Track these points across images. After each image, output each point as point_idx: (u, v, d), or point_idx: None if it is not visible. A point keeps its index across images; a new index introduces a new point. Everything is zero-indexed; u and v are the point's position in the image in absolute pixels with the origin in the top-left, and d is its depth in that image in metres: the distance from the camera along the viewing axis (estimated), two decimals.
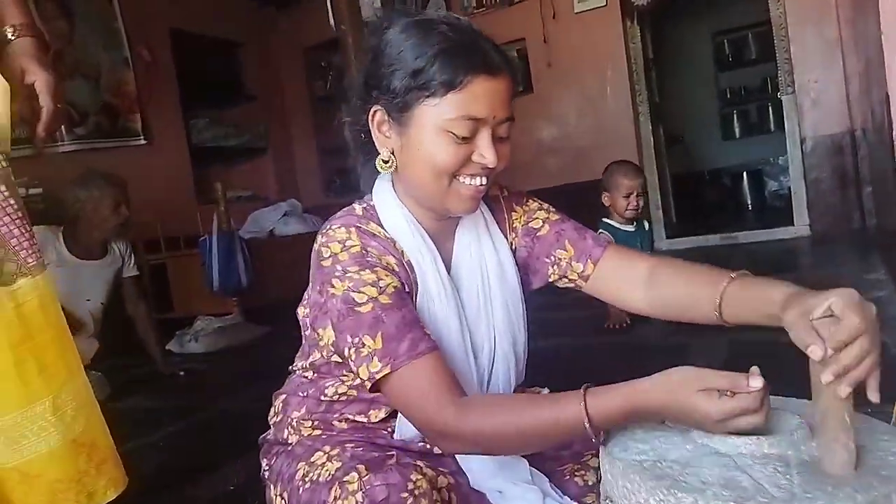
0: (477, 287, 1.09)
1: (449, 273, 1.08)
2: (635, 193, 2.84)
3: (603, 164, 3.09)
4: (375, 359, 0.92)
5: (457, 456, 1.08)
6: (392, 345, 0.92)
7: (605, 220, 2.94)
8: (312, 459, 1.03)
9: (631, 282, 1.09)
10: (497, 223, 1.15)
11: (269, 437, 1.18)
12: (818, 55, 4.30)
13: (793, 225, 4.63)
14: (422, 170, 0.98)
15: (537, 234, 1.15)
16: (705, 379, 0.78)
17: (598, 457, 0.92)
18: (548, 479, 1.08)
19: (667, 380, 0.81)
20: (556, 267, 1.14)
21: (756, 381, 0.76)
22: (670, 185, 5.50)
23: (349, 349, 0.95)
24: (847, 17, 4.08)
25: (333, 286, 0.97)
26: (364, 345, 0.93)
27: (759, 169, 7.49)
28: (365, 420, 1.09)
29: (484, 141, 0.96)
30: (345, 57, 3.59)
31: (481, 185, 0.99)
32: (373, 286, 0.95)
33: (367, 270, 0.96)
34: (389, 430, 1.09)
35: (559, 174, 4.94)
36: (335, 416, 1.10)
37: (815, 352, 0.72)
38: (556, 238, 1.14)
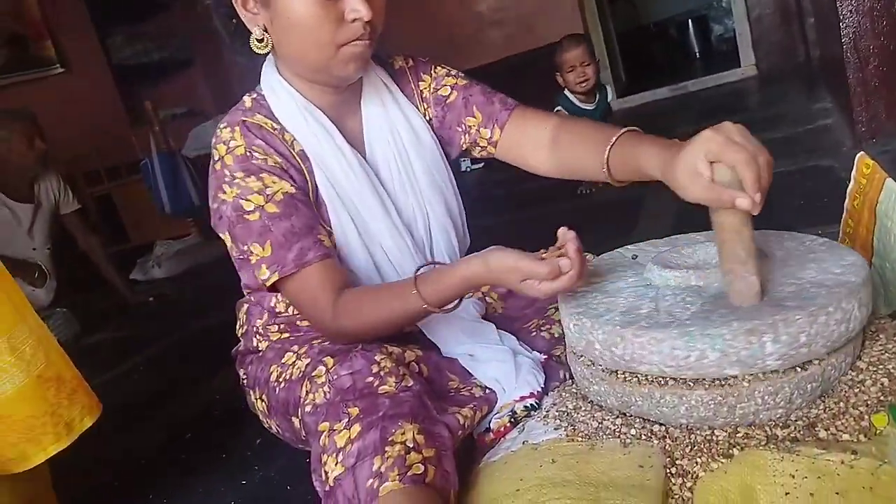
0: (394, 157, 1.07)
1: (364, 150, 1.06)
2: (580, 64, 2.81)
3: (546, 30, 3.04)
4: (263, 266, 0.95)
5: (423, 330, 1.10)
6: (280, 253, 0.94)
7: (566, 94, 2.90)
8: (283, 360, 1.05)
9: (537, 145, 1.09)
10: (405, 95, 1.12)
11: (240, 348, 1.20)
12: None
13: (739, 66, 4.60)
14: (298, 41, 0.94)
15: (447, 102, 1.14)
16: (523, 270, 0.84)
17: None
18: (515, 338, 1.11)
19: (491, 266, 0.87)
20: (466, 135, 1.13)
21: (571, 257, 0.83)
22: (616, 43, 5.38)
23: (242, 255, 0.97)
24: None
25: (224, 192, 0.97)
26: (252, 252, 0.95)
27: (703, 14, 7.34)
28: None
29: None
30: None
31: (365, 44, 0.95)
32: (259, 194, 0.95)
33: (253, 177, 0.95)
34: None
35: (503, 46, 4.76)
36: (297, 316, 1.11)
37: (743, 203, 0.71)
38: (465, 104, 1.13)
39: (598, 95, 2.94)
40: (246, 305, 1.18)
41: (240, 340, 1.20)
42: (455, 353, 1.08)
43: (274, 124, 1.01)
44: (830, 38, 2.36)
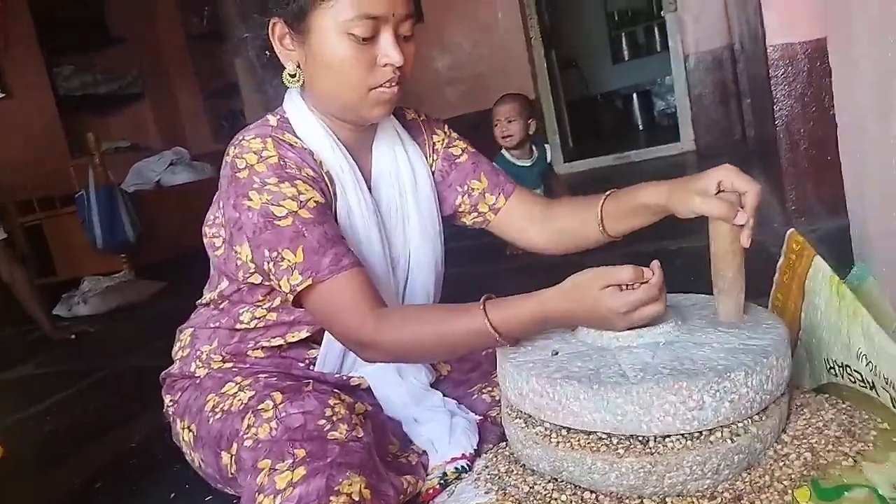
0: (395, 200, 1.08)
1: (370, 188, 1.06)
2: (504, 118, 2.82)
3: (500, 92, 3.06)
4: (296, 272, 0.90)
5: (371, 387, 1.09)
6: (314, 258, 0.90)
7: (502, 152, 2.91)
8: (223, 390, 1.01)
9: (531, 221, 1.14)
10: (417, 144, 1.14)
11: (173, 371, 1.14)
12: None
13: (679, 141, 4.82)
14: (331, 80, 0.96)
15: (456, 161, 1.16)
16: (606, 277, 0.83)
17: None
18: (456, 403, 1.11)
19: (569, 286, 0.85)
20: (467, 197, 1.15)
21: (654, 271, 0.82)
22: (565, 111, 5.57)
23: (267, 263, 0.92)
24: None
25: (250, 199, 0.93)
26: (283, 258, 0.91)
27: (648, 89, 7.71)
28: (282, 343, 1.07)
29: (387, 40, 0.93)
30: None
31: (394, 90, 0.97)
32: (293, 200, 0.92)
33: (287, 183, 0.93)
34: (306, 360, 1.08)
35: (458, 104, 4.87)
36: (249, 345, 1.08)
37: (741, 217, 0.86)
38: (473, 168, 1.16)
39: (534, 153, 2.96)
40: (191, 328, 1.13)
41: (173, 363, 1.14)
42: (398, 416, 1.07)
43: (303, 144, 1.01)
44: (765, 120, 2.50)
